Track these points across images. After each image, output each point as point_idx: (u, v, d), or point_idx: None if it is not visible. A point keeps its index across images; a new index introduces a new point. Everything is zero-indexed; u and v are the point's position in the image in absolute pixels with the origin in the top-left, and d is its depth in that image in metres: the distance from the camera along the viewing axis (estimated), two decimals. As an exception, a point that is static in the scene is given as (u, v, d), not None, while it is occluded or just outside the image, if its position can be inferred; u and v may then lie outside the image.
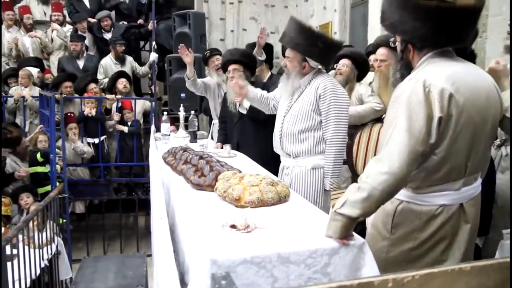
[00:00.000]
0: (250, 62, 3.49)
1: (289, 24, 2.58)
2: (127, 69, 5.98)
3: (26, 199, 4.23)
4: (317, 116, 2.55)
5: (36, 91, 5.46)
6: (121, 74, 5.69)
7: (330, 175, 2.55)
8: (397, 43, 1.71)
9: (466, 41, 1.65)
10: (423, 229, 1.63)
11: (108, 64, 5.98)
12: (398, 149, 1.46)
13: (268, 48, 4.05)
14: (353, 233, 1.52)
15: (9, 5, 6.25)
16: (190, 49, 3.93)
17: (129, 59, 6.12)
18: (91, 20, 6.38)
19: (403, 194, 1.64)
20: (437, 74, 1.51)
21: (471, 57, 2.40)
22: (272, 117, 2.87)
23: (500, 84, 2.14)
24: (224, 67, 3.57)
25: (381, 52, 3.04)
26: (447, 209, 1.61)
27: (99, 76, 5.95)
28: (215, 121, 4.20)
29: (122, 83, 5.59)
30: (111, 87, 5.69)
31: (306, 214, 1.81)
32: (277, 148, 2.75)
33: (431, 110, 1.47)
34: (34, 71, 5.68)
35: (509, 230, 1.92)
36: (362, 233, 1.66)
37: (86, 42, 6.29)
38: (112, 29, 6.33)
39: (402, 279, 0.85)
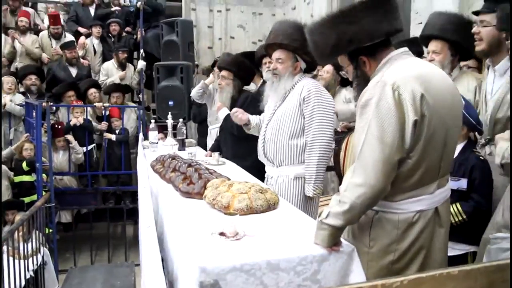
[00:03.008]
0: (240, 71, 3.46)
1: (280, 24, 2.60)
2: (127, 75, 6.13)
3: (10, 216, 4.13)
4: (301, 120, 2.50)
5: (17, 98, 5.34)
6: (117, 88, 5.80)
7: (314, 180, 2.47)
8: (346, 67, 1.69)
9: (396, 25, 1.59)
10: (401, 239, 1.57)
11: (110, 68, 6.14)
12: (372, 160, 1.42)
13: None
14: (342, 240, 1.52)
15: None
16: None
17: (131, 68, 6.24)
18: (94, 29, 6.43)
19: (377, 204, 1.57)
20: (405, 76, 1.47)
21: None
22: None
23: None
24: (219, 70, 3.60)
25: None
26: (424, 214, 1.57)
27: (102, 77, 6.09)
28: (211, 127, 4.16)
29: (114, 97, 5.74)
30: (105, 93, 5.84)
31: (295, 221, 1.81)
32: (260, 156, 2.71)
33: (403, 114, 1.42)
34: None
35: (496, 234, 1.93)
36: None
37: (96, 47, 6.45)
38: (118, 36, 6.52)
39: (391, 284, 0.85)
